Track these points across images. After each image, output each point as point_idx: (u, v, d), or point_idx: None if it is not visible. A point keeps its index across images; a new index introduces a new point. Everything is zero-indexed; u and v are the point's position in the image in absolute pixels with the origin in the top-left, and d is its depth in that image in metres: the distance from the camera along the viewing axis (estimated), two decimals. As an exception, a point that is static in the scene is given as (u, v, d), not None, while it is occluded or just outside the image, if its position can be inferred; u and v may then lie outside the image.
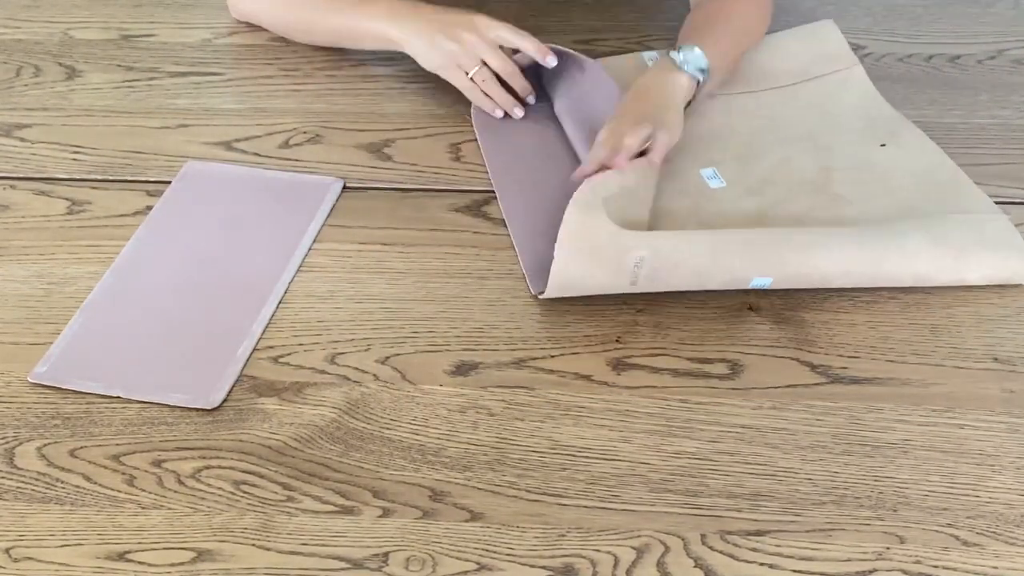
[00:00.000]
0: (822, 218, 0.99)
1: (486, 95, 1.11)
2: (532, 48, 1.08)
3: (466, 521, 0.79)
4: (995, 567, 0.76)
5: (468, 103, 1.13)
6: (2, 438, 0.85)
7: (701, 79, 1.06)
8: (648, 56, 1.17)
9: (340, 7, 1.15)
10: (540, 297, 0.93)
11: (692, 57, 1.05)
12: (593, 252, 0.90)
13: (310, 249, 0.99)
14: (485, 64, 1.09)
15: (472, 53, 1.09)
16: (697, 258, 0.91)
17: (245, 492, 0.81)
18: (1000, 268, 0.94)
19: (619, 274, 0.90)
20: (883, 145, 1.07)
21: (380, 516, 0.79)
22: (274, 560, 0.77)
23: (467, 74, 1.10)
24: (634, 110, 1.02)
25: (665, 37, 1.22)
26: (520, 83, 1.11)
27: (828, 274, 0.92)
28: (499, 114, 1.11)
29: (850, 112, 1.11)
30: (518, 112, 1.10)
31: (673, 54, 1.06)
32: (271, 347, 0.91)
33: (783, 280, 0.92)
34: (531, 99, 1.12)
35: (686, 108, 1.06)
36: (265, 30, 1.25)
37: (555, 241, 0.90)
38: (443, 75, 1.11)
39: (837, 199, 1.01)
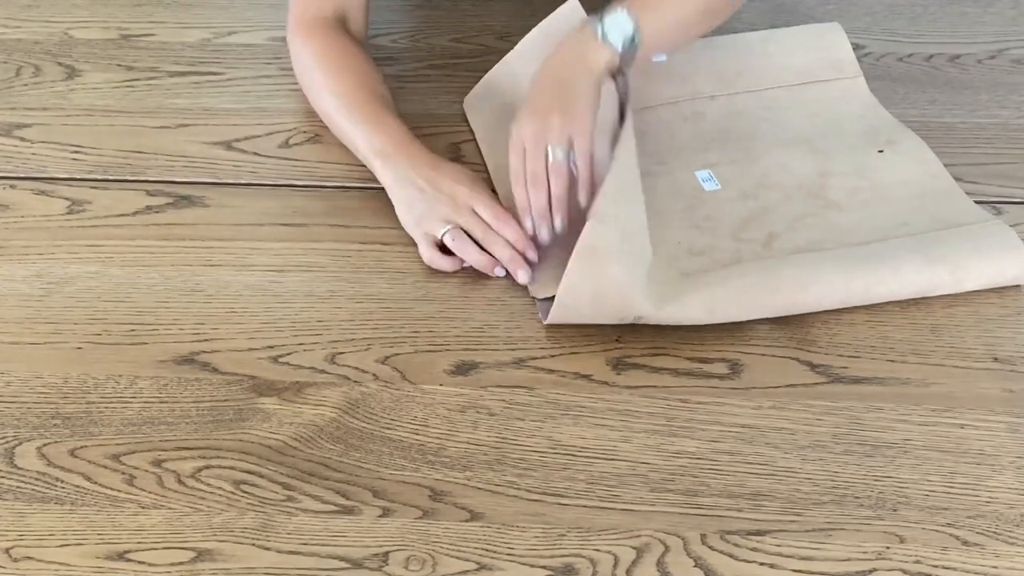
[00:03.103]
0: (814, 224, 0.99)
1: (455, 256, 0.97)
2: (511, 237, 0.95)
3: (466, 521, 0.79)
4: (995, 567, 0.76)
5: (468, 103, 1.13)
6: (2, 438, 0.85)
7: (623, 49, 0.97)
8: None
9: (355, 119, 1.05)
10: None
11: (615, 23, 0.96)
12: (596, 300, 0.89)
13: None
14: (458, 227, 0.97)
15: (442, 219, 0.97)
16: (694, 314, 0.90)
17: (245, 492, 0.81)
18: (997, 276, 0.94)
19: (619, 320, 0.90)
20: (880, 152, 1.06)
21: (380, 516, 0.79)
22: (274, 560, 0.77)
23: (435, 239, 0.97)
24: (539, 104, 0.95)
25: (665, 37, 1.21)
26: (500, 249, 0.95)
27: (822, 303, 0.92)
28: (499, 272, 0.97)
29: (849, 118, 1.11)
30: (499, 272, 0.95)
31: (593, 20, 0.97)
32: (271, 347, 0.91)
33: (777, 314, 0.92)
34: (523, 276, 0.95)
35: (620, 76, 1.00)
36: (264, 29, 1.25)
37: (557, 261, 0.91)
38: (413, 236, 0.98)
39: (831, 205, 1.01)
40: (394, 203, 1.00)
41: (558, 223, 0.95)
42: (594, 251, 0.88)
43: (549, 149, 0.94)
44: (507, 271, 0.95)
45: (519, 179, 0.96)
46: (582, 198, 0.95)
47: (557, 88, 0.96)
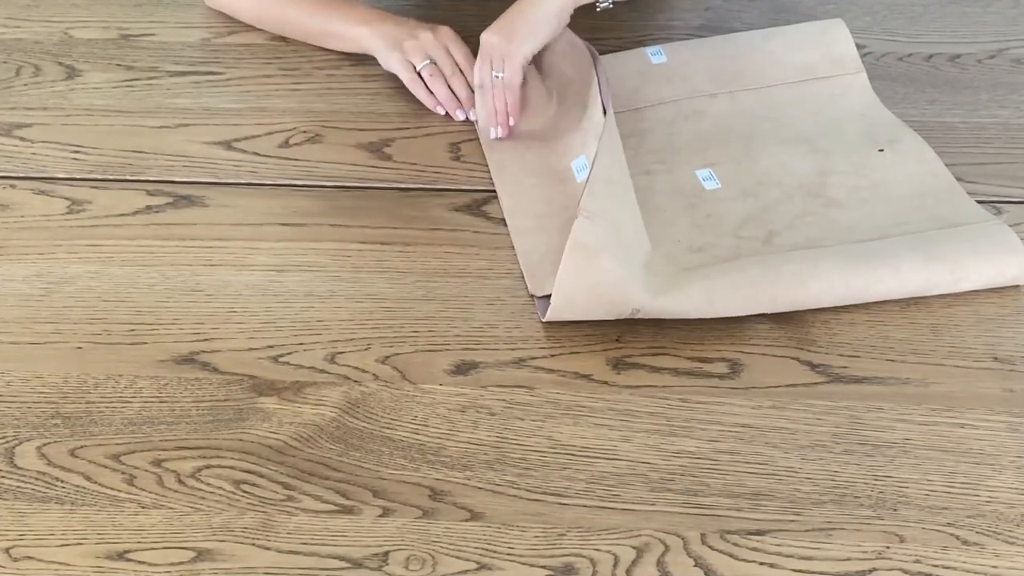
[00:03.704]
0: (814, 223, 0.99)
1: (429, 92, 1.13)
2: (467, 72, 1.12)
3: (466, 520, 0.79)
4: (995, 566, 0.76)
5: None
6: (2, 438, 0.85)
7: None
8: (652, 51, 1.16)
9: (317, 10, 1.19)
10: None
11: None
12: (592, 295, 0.89)
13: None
14: (434, 63, 1.13)
15: (422, 50, 1.13)
16: (693, 304, 0.90)
17: (245, 492, 0.81)
18: (996, 276, 0.94)
19: (617, 315, 0.90)
20: (881, 150, 1.06)
21: (380, 515, 0.79)
22: (274, 560, 0.77)
23: (414, 68, 1.13)
24: (502, 21, 1.08)
25: (665, 37, 1.22)
26: (462, 90, 1.12)
27: (821, 300, 0.92)
28: (440, 111, 1.12)
29: (850, 117, 1.11)
30: (459, 114, 1.12)
31: None
32: (271, 347, 0.91)
33: (776, 310, 0.92)
34: (471, 115, 1.12)
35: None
36: (264, 29, 1.24)
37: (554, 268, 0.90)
38: (393, 68, 1.14)
39: (831, 203, 1.01)
40: (377, 54, 1.15)
41: (473, 114, 1.11)
42: (584, 247, 0.88)
43: (491, 67, 1.08)
44: (467, 116, 1.12)
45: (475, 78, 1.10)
46: (500, 119, 1.09)
47: (520, 9, 1.08)
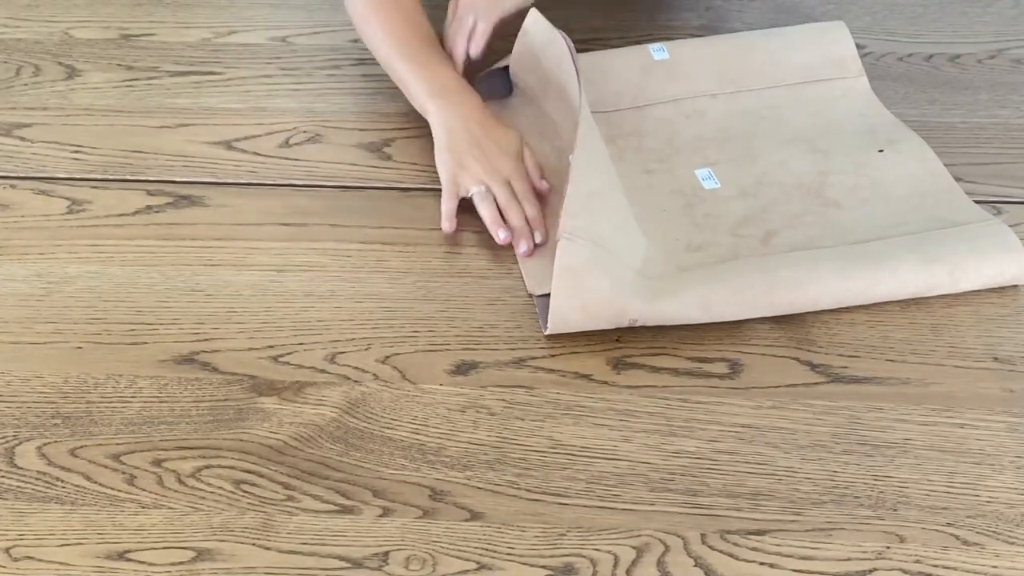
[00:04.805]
0: (813, 222, 0.99)
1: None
2: (529, 213, 1.00)
3: (466, 520, 0.79)
4: (995, 566, 0.76)
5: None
6: (2, 438, 0.85)
7: None
8: (654, 48, 1.16)
9: (407, 54, 1.10)
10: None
11: None
12: (588, 314, 0.89)
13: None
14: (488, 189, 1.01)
15: (478, 176, 1.01)
16: (690, 312, 0.90)
17: (245, 491, 0.81)
18: (996, 276, 0.94)
19: (615, 325, 0.90)
20: (880, 151, 1.06)
21: (380, 515, 0.79)
22: (274, 560, 0.77)
23: (467, 194, 1.01)
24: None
25: (665, 36, 1.22)
26: (515, 219, 0.99)
27: (820, 303, 0.92)
28: (502, 237, 0.99)
29: (850, 118, 1.11)
30: (502, 235, 0.98)
31: None
32: (271, 347, 0.91)
33: (775, 314, 0.92)
34: (523, 247, 0.98)
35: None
36: (264, 29, 1.25)
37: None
38: (442, 180, 1.02)
39: (830, 203, 1.01)
40: (436, 145, 1.04)
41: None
42: (572, 268, 0.88)
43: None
44: (511, 241, 0.99)
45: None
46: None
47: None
